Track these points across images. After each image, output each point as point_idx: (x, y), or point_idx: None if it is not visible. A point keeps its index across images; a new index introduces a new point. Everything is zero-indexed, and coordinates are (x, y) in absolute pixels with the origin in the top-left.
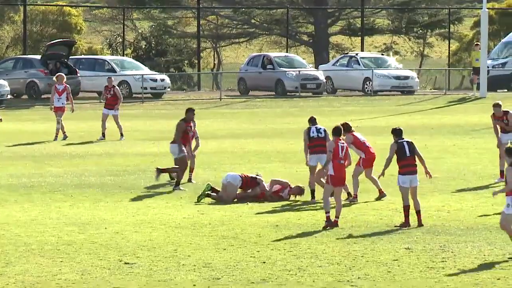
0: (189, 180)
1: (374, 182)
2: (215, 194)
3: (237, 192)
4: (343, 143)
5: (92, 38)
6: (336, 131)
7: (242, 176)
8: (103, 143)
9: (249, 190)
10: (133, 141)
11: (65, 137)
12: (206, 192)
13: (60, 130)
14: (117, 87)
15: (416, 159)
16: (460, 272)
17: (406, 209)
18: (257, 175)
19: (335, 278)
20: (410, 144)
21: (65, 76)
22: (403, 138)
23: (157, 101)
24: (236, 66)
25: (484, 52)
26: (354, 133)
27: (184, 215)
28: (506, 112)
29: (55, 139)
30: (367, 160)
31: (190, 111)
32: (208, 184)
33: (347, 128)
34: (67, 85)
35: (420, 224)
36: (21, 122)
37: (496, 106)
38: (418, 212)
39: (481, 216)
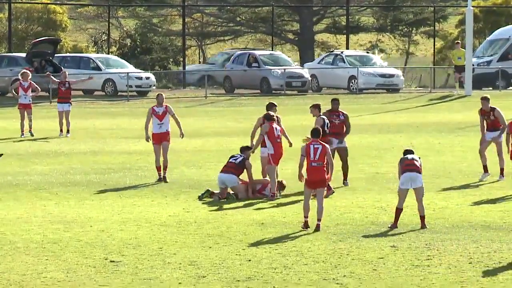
0: (163, 179)
1: (271, 180)
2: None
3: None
4: (318, 145)
5: (77, 36)
6: (313, 133)
7: (234, 173)
8: (89, 140)
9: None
10: (119, 139)
11: (23, 135)
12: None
13: (26, 126)
14: (72, 80)
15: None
16: (446, 270)
17: (398, 212)
18: (241, 153)
19: (321, 276)
20: (416, 157)
21: (30, 73)
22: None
23: (143, 99)
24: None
25: (469, 50)
26: (274, 125)
27: (170, 213)
28: (493, 109)
29: (30, 133)
30: (274, 156)
31: (335, 101)
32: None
33: (269, 117)
34: (32, 82)
35: (422, 226)
36: (6, 120)
37: (484, 99)
38: (422, 218)
39: (466, 214)
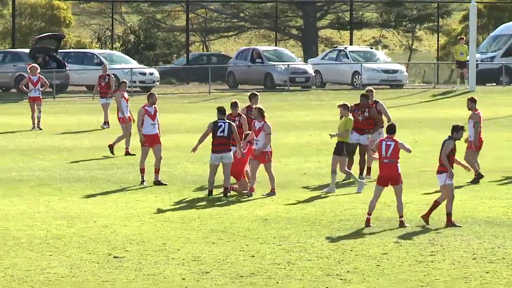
0: (157, 182)
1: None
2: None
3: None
4: (390, 141)
5: (81, 32)
6: (389, 129)
7: (229, 149)
8: (93, 136)
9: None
10: None
11: (39, 128)
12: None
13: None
14: (112, 75)
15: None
16: (449, 265)
17: (434, 203)
18: None
19: (324, 272)
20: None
21: (38, 67)
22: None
23: (146, 94)
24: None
25: (473, 46)
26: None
27: (173, 208)
28: (376, 102)
29: (38, 127)
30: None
31: (363, 97)
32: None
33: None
34: (41, 76)
35: (448, 225)
36: (10, 116)
37: (369, 91)
38: (448, 215)
39: (470, 209)
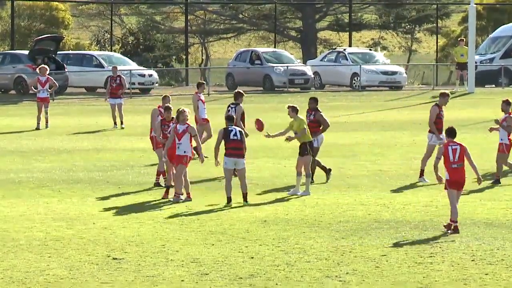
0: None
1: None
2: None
3: None
4: (455, 145)
5: (80, 34)
6: (451, 133)
7: (244, 155)
8: (92, 138)
9: None
10: (121, 137)
11: (38, 128)
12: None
13: (42, 119)
14: (123, 76)
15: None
16: (448, 267)
17: None
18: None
19: (324, 274)
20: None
21: (48, 68)
22: None
23: (145, 96)
24: (224, 61)
25: (472, 48)
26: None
27: (172, 210)
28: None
29: (46, 126)
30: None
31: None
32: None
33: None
34: (50, 77)
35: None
36: (9, 118)
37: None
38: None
39: (469, 211)
